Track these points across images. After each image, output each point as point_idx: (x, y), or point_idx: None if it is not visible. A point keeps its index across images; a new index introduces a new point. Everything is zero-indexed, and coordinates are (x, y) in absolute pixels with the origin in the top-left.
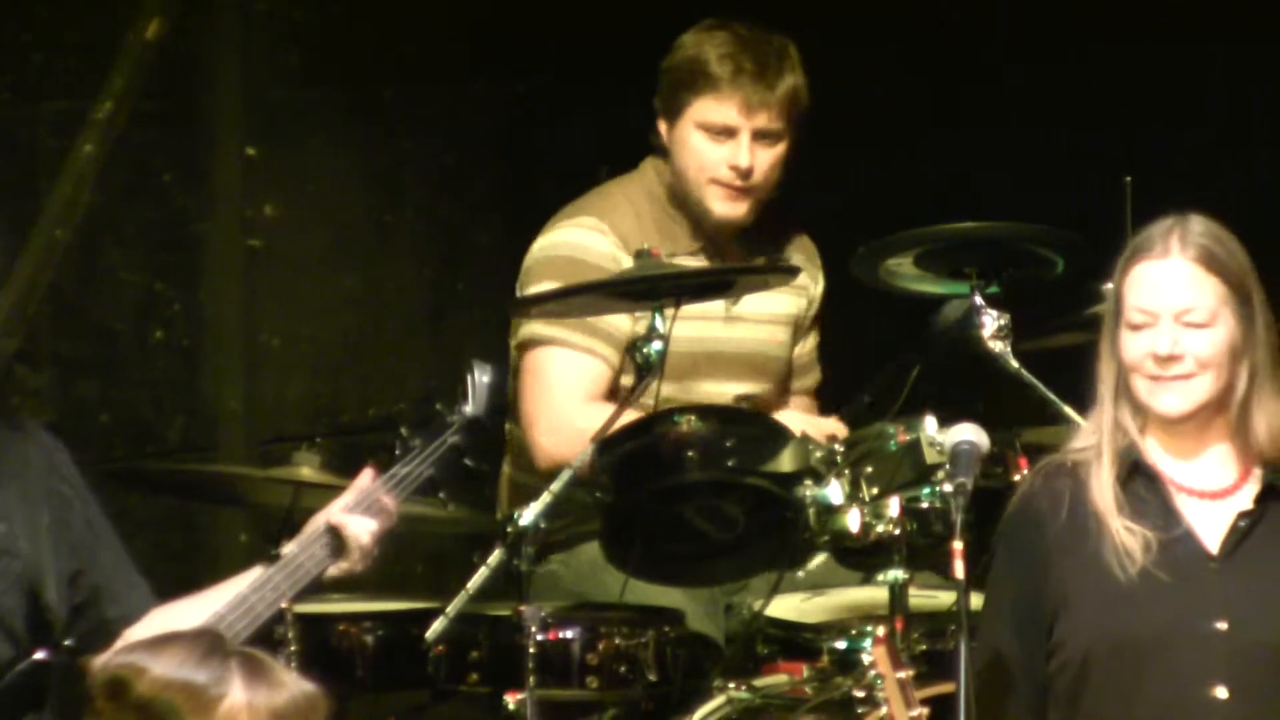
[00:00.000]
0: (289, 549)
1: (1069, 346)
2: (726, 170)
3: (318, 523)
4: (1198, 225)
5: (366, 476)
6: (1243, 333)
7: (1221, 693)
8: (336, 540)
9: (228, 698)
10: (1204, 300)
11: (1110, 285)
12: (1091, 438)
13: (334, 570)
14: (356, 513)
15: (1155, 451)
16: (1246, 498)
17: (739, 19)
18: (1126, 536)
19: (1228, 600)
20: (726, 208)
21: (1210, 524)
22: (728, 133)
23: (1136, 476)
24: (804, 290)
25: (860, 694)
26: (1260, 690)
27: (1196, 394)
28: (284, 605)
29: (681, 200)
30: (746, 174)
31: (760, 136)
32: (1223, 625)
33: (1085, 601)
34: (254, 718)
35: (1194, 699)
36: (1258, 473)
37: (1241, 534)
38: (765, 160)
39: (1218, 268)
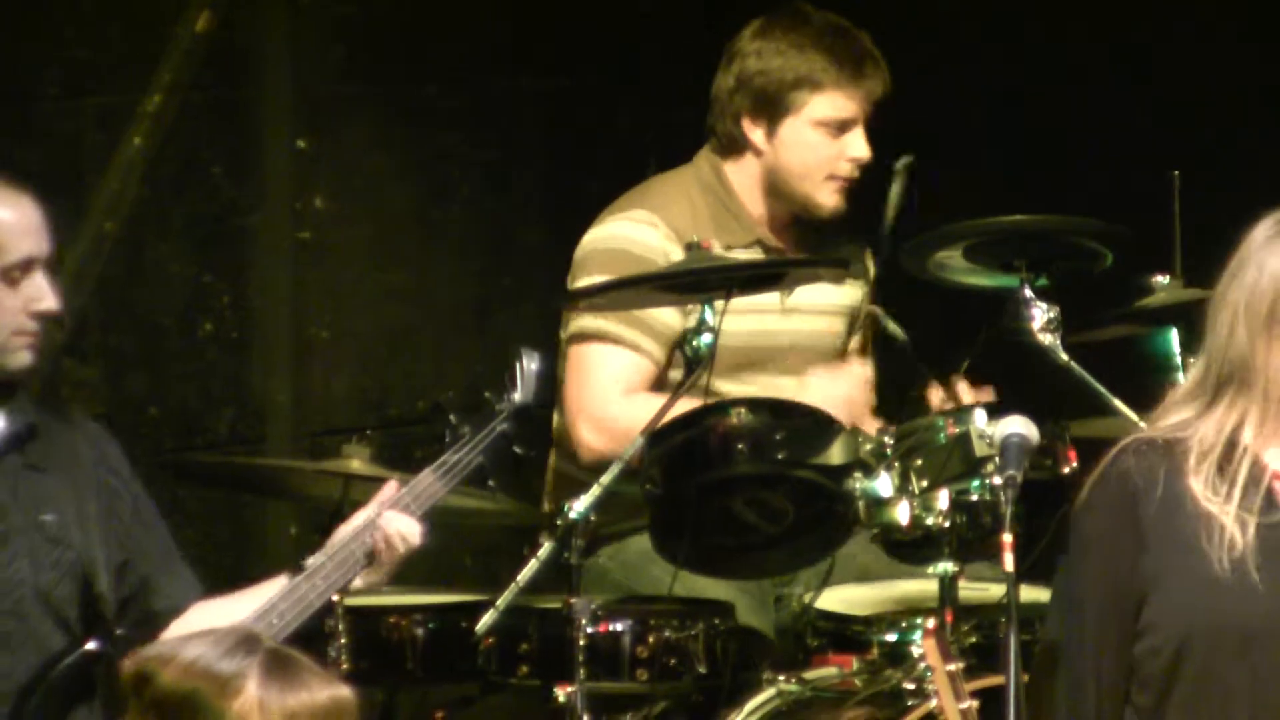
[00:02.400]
0: (314, 559)
1: (1117, 339)
2: (845, 164)
3: (346, 530)
4: None
5: (390, 488)
6: None
7: None
8: (369, 551)
9: (242, 694)
10: None
11: (1162, 277)
12: (1187, 411)
13: (360, 581)
14: (397, 510)
15: (1255, 435)
16: None
17: (807, 4)
18: (1228, 520)
19: None
20: (838, 200)
21: None
22: (845, 126)
23: (1236, 460)
24: (862, 283)
25: (910, 686)
26: None
27: None
28: (333, 598)
29: (777, 195)
30: (864, 166)
31: (866, 126)
32: None
33: (1183, 585)
34: (266, 716)
35: None
36: None
37: None
38: (870, 150)
39: None
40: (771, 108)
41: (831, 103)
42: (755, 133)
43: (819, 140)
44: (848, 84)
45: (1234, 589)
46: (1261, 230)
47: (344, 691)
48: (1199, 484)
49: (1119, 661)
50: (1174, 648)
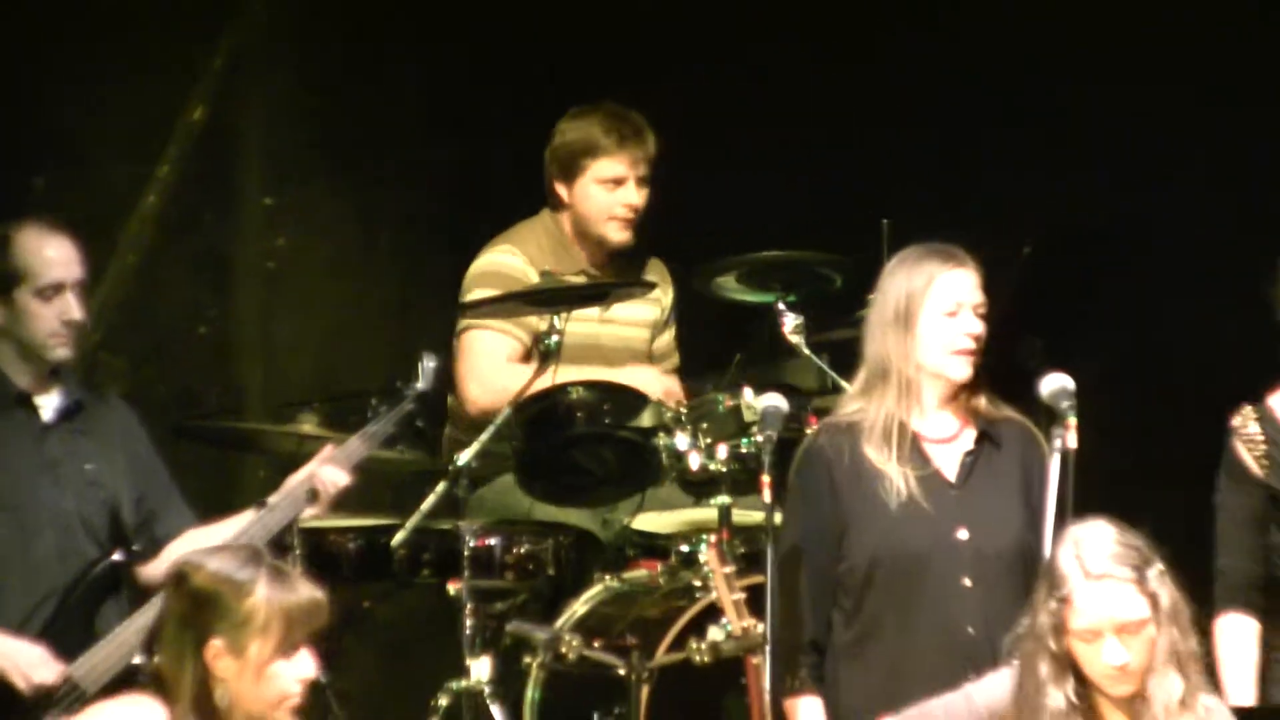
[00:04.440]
0: (273, 499)
1: (844, 339)
2: (622, 209)
3: (296, 478)
4: None
5: (328, 449)
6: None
7: (967, 582)
8: (311, 491)
9: (254, 594)
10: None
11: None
12: (858, 402)
13: (308, 512)
14: (332, 464)
15: (903, 411)
16: (969, 440)
17: (596, 101)
18: (894, 474)
19: (966, 516)
20: (623, 236)
21: (947, 462)
22: (620, 181)
23: (893, 431)
24: (658, 300)
25: (698, 583)
26: (992, 577)
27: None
28: (287, 523)
29: (582, 235)
30: (636, 210)
31: (639, 181)
32: (964, 534)
33: (868, 523)
34: (270, 610)
35: (948, 588)
36: (972, 425)
37: (969, 467)
38: (643, 197)
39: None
40: (566, 173)
41: (606, 166)
42: (563, 191)
43: (600, 193)
44: (615, 150)
45: (903, 523)
46: (890, 264)
47: (321, 593)
48: (872, 450)
49: (826, 578)
50: (865, 566)
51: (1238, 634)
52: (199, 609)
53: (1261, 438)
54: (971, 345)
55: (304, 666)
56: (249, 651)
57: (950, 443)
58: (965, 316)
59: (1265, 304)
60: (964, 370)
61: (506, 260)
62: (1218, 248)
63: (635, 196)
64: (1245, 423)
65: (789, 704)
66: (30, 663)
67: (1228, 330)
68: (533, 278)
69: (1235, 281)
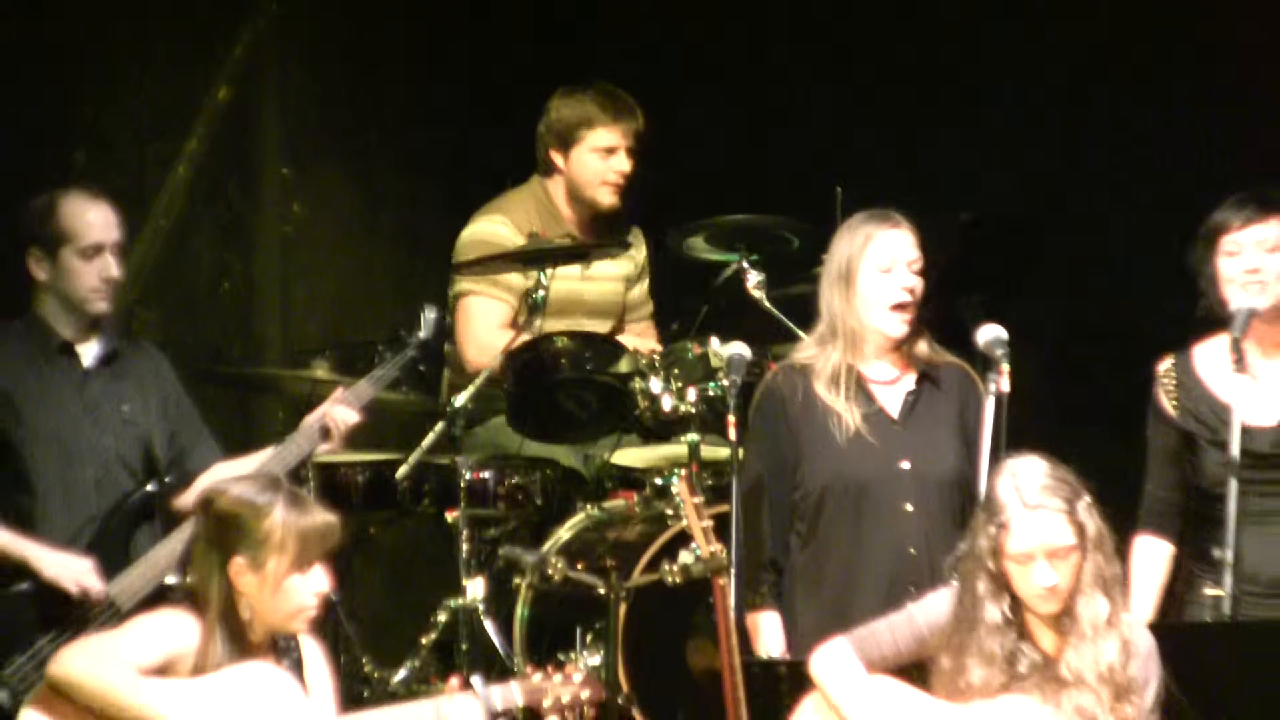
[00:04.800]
0: (293, 435)
1: (801, 293)
2: (614, 175)
3: (311, 417)
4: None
5: (339, 391)
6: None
7: (909, 507)
8: (324, 429)
9: (272, 515)
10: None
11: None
12: (813, 349)
13: (322, 448)
14: (343, 404)
15: (851, 357)
16: (911, 382)
17: (587, 80)
18: (842, 411)
19: (908, 448)
20: (612, 200)
21: (891, 401)
22: (612, 151)
23: (843, 374)
24: (632, 258)
25: (670, 512)
26: (932, 503)
27: (910, 322)
28: (303, 457)
29: (574, 199)
30: (626, 176)
31: (629, 151)
32: (906, 465)
33: (819, 456)
34: (286, 531)
35: (892, 513)
36: (914, 368)
37: (911, 406)
38: (631, 166)
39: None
40: (565, 141)
41: (602, 136)
42: (558, 159)
43: (595, 161)
44: (611, 123)
45: (851, 454)
46: (839, 230)
47: (334, 518)
48: (823, 390)
49: (782, 504)
50: (817, 494)
51: (1148, 555)
52: (223, 530)
53: (1175, 384)
54: (906, 299)
55: (318, 582)
56: (267, 567)
57: (894, 384)
58: (900, 272)
59: (1187, 269)
60: (899, 328)
61: (494, 229)
62: (1147, 216)
63: (625, 164)
64: (1165, 370)
65: (751, 618)
66: (81, 571)
67: (1155, 290)
68: (518, 243)
69: (1162, 247)
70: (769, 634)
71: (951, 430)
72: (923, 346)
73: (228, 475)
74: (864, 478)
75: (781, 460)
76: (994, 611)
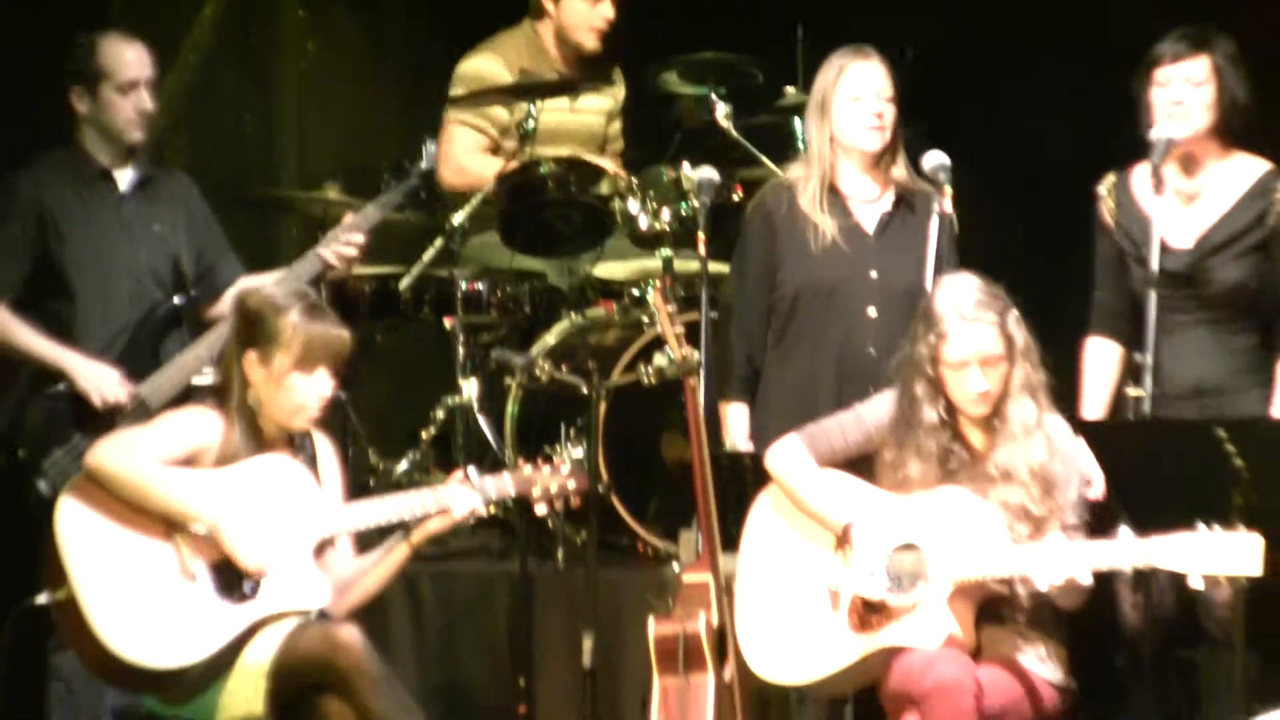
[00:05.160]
0: (306, 254)
1: (767, 123)
2: (599, 20)
3: (325, 239)
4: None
5: (349, 216)
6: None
7: (872, 312)
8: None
9: (287, 316)
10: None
11: (790, 88)
12: (801, 169)
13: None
14: (350, 229)
15: (832, 175)
16: (888, 203)
17: None
18: (820, 222)
19: (878, 260)
20: (596, 43)
21: (866, 217)
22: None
23: (823, 189)
24: (613, 95)
25: (646, 319)
26: (894, 310)
27: (885, 138)
28: (317, 272)
29: (561, 42)
30: (610, 21)
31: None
32: (875, 274)
33: (795, 261)
34: (294, 333)
35: (856, 316)
36: (892, 189)
37: (885, 223)
38: (614, 11)
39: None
40: None
41: None
42: (549, 5)
43: (584, 7)
44: None
45: (823, 261)
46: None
47: (344, 332)
48: (805, 204)
49: (761, 304)
50: (790, 296)
51: (1098, 356)
52: (246, 325)
53: (1114, 200)
54: (876, 122)
55: (320, 385)
56: (274, 363)
57: (872, 203)
58: (869, 99)
59: (1130, 97)
60: (873, 142)
61: (486, 65)
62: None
63: (610, 11)
64: (1106, 187)
65: (722, 408)
66: (106, 382)
67: (1098, 117)
68: (507, 79)
69: (1105, 76)
70: (736, 424)
71: (921, 248)
72: (901, 171)
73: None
74: (833, 282)
75: (763, 263)
76: (930, 413)
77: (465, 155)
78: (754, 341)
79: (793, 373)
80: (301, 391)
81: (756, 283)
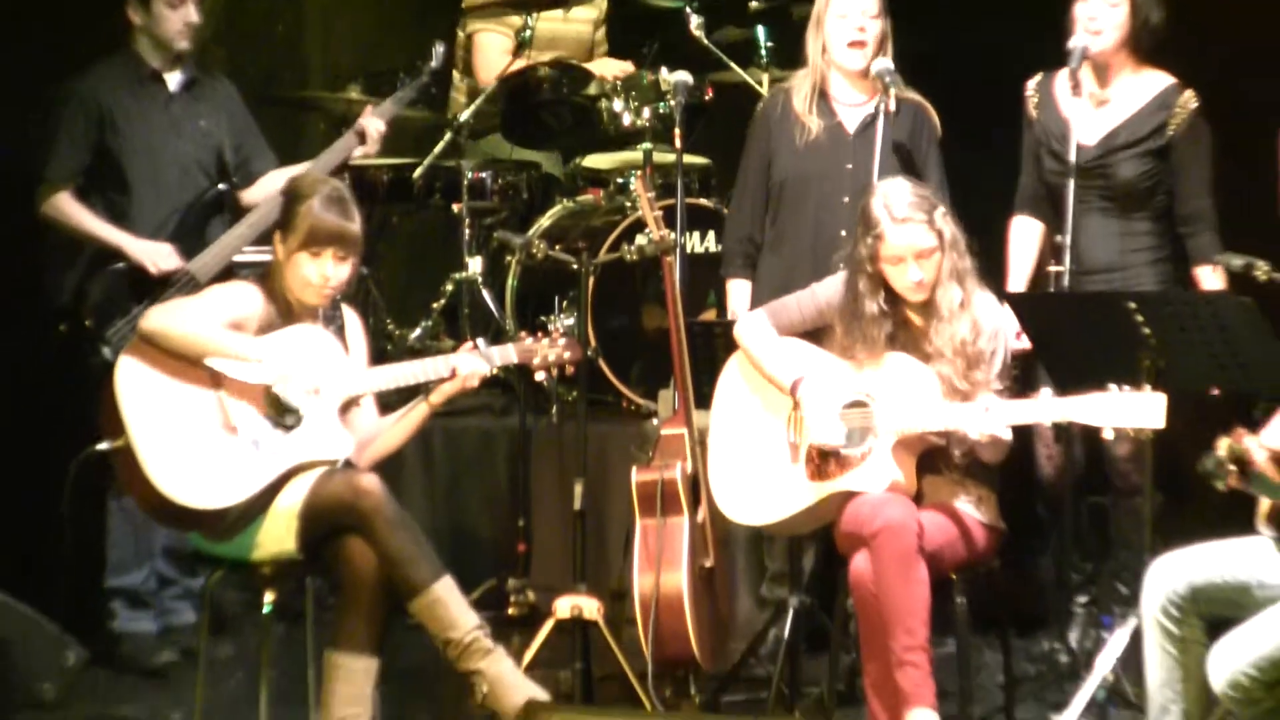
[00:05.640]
0: (334, 143)
1: (740, 39)
2: None
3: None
4: None
5: (368, 109)
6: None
7: (846, 200)
8: (361, 134)
9: (306, 203)
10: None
11: (753, 2)
12: (798, 79)
13: (357, 151)
14: (372, 116)
15: (823, 83)
16: (870, 107)
17: None
18: (808, 121)
19: (854, 155)
20: None
21: (850, 119)
22: None
23: (814, 94)
24: (598, 6)
25: (629, 205)
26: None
27: (868, 58)
28: (342, 159)
29: None
30: None
31: None
32: (850, 166)
33: (784, 154)
34: (305, 218)
35: (833, 203)
36: (877, 96)
37: (867, 124)
38: None
39: None
40: None
41: None
42: None
43: None
44: None
45: (806, 155)
46: None
47: (355, 227)
48: (797, 104)
49: (759, 192)
50: (779, 185)
51: (1021, 234)
52: (284, 207)
53: (1038, 97)
54: (860, 37)
55: (325, 268)
56: (289, 243)
57: (856, 107)
58: (855, 16)
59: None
60: (856, 61)
61: None
62: None
63: None
64: (1033, 86)
65: (728, 283)
66: (159, 253)
67: (1027, 34)
68: None
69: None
70: (737, 298)
71: (895, 146)
72: (878, 76)
73: (282, 178)
74: (812, 173)
75: (760, 158)
76: (872, 305)
77: (497, 55)
78: (753, 224)
79: (781, 253)
80: (306, 269)
81: (755, 174)
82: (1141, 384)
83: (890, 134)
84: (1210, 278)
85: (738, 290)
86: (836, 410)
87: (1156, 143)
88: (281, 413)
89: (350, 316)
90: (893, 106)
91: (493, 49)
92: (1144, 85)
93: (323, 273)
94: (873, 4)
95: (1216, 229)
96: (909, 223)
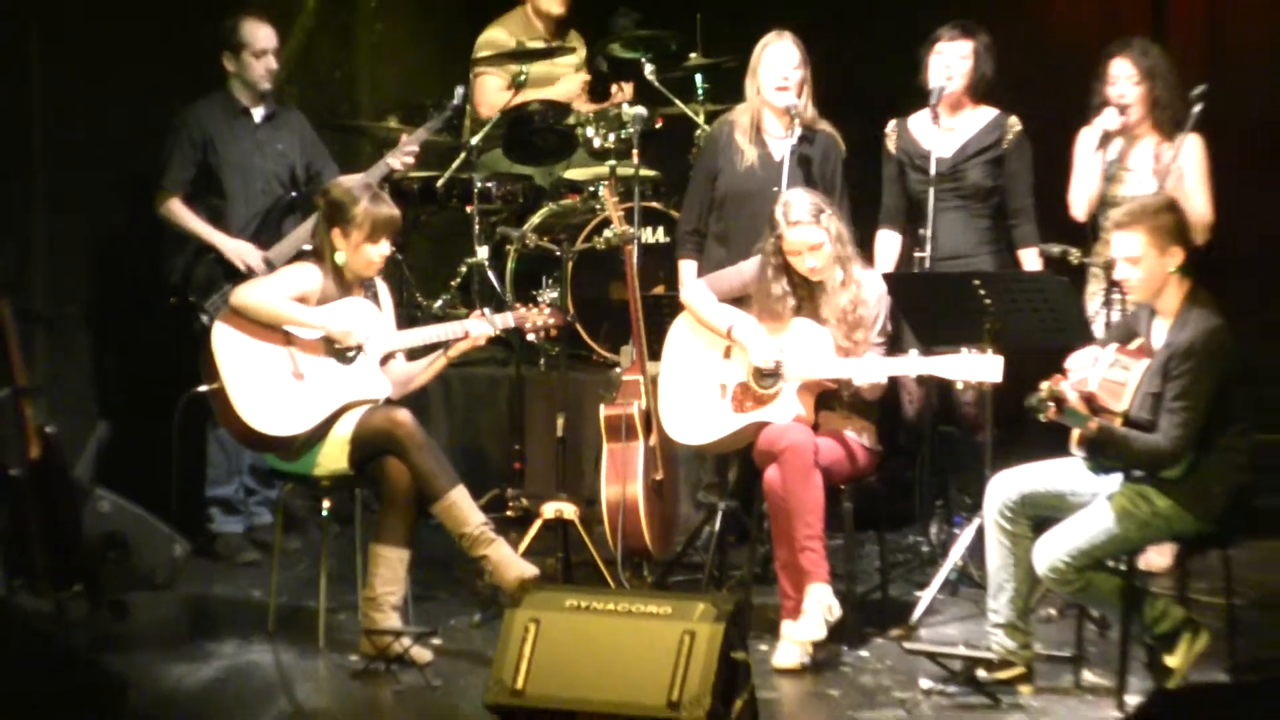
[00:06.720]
0: (378, 163)
1: (679, 77)
2: (560, 4)
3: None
4: None
5: (404, 138)
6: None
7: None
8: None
9: (360, 203)
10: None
11: (693, 54)
12: (740, 111)
13: (398, 165)
14: (409, 143)
15: (760, 117)
16: (794, 137)
17: None
18: (745, 149)
19: (787, 176)
20: (562, 9)
21: (778, 148)
22: None
23: (757, 119)
24: (578, 53)
25: (599, 206)
26: None
27: (791, 97)
28: (384, 176)
29: (539, 14)
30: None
31: None
32: (776, 188)
33: (726, 174)
34: (365, 214)
35: (764, 211)
36: (797, 127)
37: (793, 152)
38: None
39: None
40: None
41: None
42: None
43: None
44: None
45: (744, 176)
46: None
47: (398, 212)
48: (739, 135)
49: (705, 198)
50: (722, 197)
51: (885, 244)
52: (332, 209)
53: (896, 134)
54: (783, 83)
55: (383, 249)
56: (352, 236)
57: (782, 139)
58: (779, 67)
59: (915, 61)
60: (780, 100)
61: (496, 35)
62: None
63: None
64: (891, 127)
65: (680, 262)
66: (245, 251)
67: (887, 75)
68: (511, 44)
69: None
70: (687, 275)
71: (811, 165)
72: (809, 114)
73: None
74: (748, 190)
75: (707, 171)
76: (778, 288)
77: (492, 94)
78: (699, 219)
79: (726, 245)
80: (371, 252)
81: (702, 181)
82: (985, 346)
83: (798, 155)
84: (1032, 259)
85: (686, 268)
86: (767, 339)
87: (995, 153)
88: (344, 351)
89: (383, 288)
90: (798, 132)
91: (488, 89)
92: (981, 115)
93: (381, 252)
94: (795, 57)
95: (1035, 221)
96: (801, 224)
